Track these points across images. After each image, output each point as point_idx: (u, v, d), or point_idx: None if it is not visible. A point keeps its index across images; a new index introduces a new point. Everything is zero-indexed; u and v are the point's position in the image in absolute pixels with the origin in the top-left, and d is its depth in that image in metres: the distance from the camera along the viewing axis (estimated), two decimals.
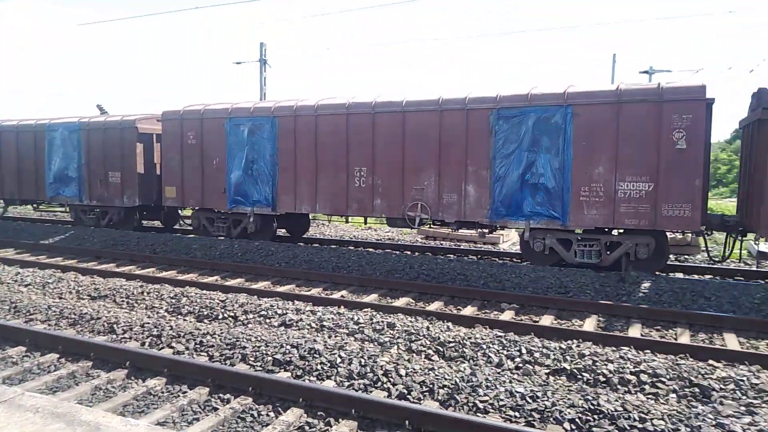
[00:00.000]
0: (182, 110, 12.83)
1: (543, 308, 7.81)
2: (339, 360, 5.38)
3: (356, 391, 4.85)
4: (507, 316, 7.48)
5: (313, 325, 6.66)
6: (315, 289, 8.95)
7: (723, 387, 4.81)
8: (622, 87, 9.09)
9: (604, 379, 5.10)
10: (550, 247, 9.73)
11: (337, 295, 8.50)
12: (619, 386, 4.99)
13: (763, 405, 4.53)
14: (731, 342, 6.41)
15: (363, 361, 5.33)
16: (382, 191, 10.87)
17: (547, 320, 7.25)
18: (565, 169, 9.35)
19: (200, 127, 12.55)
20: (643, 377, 5.05)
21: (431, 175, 10.39)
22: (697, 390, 4.81)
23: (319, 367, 5.30)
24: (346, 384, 5.02)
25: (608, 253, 9.44)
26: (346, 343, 5.89)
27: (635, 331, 6.79)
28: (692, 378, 4.96)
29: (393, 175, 10.72)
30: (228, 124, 12.21)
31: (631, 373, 5.12)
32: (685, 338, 6.55)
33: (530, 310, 7.84)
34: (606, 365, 5.28)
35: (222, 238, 12.61)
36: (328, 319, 6.82)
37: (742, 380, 4.87)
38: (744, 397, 4.66)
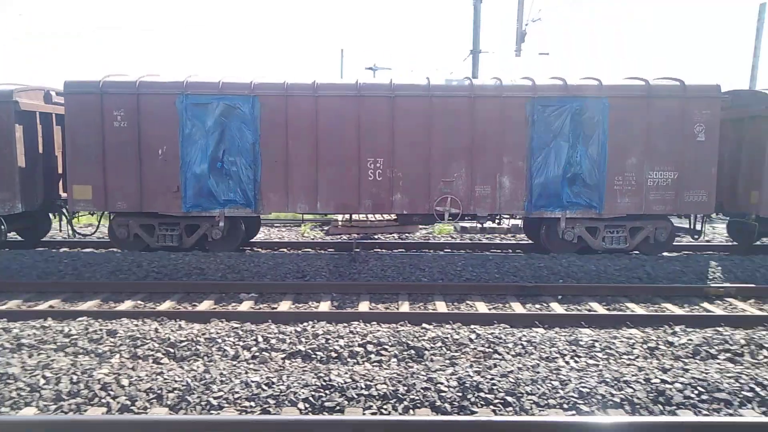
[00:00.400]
0: (103, 81, 9.49)
1: (282, 294, 7.89)
2: (43, 381, 4.55)
3: (65, 413, 4.17)
4: (245, 306, 7.34)
5: (7, 345, 5.51)
6: (12, 302, 7.45)
7: (433, 346, 5.51)
8: (652, 83, 9.69)
9: (336, 355, 5.36)
10: (579, 235, 9.94)
11: (43, 306, 7.22)
12: (349, 359, 5.31)
13: (462, 356, 5.33)
14: (440, 306, 7.40)
15: (75, 377, 4.61)
16: (403, 185, 9.77)
17: (285, 306, 7.34)
18: (601, 160, 9.68)
19: (135, 104, 9.46)
20: (370, 347, 5.47)
21: (462, 166, 9.72)
22: (413, 352, 5.40)
23: (14, 394, 4.40)
24: (53, 408, 4.27)
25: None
26: (53, 360, 5.02)
27: (364, 305, 7.34)
28: (409, 342, 5.55)
29: (417, 167, 9.73)
30: (182, 102, 9.49)
31: (359, 345, 5.50)
32: (405, 307, 7.33)
33: (269, 297, 7.84)
34: (338, 341, 5.57)
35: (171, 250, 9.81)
36: (29, 335, 5.73)
37: (447, 338, 5.65)
38: (448, 352, 5.41)
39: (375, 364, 5.21)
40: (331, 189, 9.84)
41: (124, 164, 9.58)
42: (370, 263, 9.18)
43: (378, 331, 5.84)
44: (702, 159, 9.76)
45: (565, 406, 4.27)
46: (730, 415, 4.19)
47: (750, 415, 4.17)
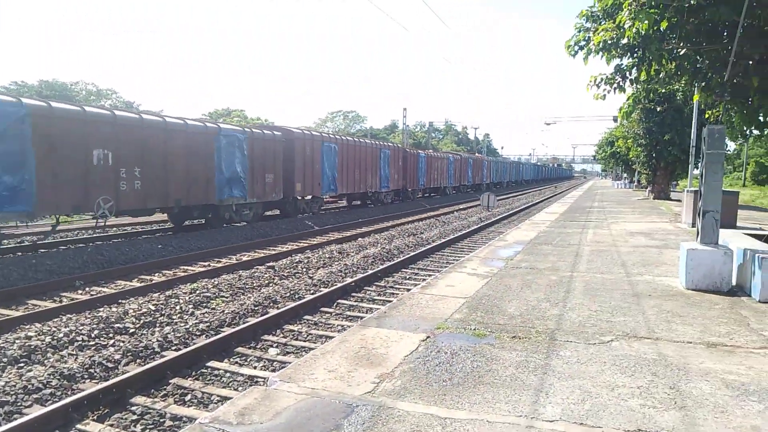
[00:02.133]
0: (303, 132, 22.81)
1: None
2: None
3: None
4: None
5: None
6: None
7: None
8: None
9: None
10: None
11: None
12: None
13: None
14: None
15: None
16: (347, 178, 25.92)
17: None
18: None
19: (311, 144, 22.64)
20: None
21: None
22: None
23: None
24: None
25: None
26: None
27: None
28: None
29: (346, 173, 25.69)
30: (321, 144, 23.36)
31: None
32: None
33: None
34: None
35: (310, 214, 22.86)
36: None
37: None
38: None
39: None
40: (347, 182, 25.71)
41: (308, 172, 22.27)
42: None
43: None
44: None
45: None
46: None
47: None
